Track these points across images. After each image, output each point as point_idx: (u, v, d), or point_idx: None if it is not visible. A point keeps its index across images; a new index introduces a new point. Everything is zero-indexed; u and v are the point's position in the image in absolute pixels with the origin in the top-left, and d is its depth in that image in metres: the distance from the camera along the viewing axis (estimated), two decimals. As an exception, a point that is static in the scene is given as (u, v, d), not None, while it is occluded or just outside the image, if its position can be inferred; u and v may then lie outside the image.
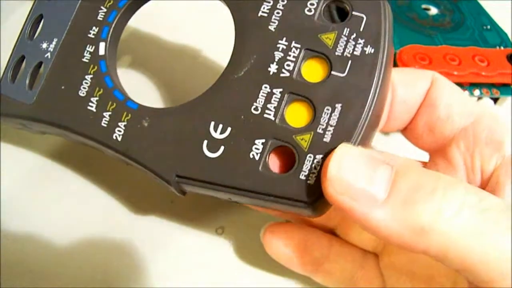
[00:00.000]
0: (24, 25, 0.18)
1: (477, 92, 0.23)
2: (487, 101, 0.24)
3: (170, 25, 0.26)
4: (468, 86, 0.23)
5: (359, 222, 0.13)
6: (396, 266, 0.18)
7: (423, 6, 0.27)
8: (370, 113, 0.14)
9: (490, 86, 0.23)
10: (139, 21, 0.24)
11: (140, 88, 0.24)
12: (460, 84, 0.23)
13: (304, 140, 0.14)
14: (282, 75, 0.15)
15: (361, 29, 0.15)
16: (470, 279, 0.12)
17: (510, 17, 0.28)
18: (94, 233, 0.20)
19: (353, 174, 0.13)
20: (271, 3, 0.15)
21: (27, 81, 0.18)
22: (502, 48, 0.25)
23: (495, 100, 0.24)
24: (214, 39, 0.24)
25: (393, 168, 0.13)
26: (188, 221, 0.21)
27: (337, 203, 0.13)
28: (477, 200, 0.12)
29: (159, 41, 0.25)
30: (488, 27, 0.26)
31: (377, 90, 0.14)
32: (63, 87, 0.17)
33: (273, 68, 0.15)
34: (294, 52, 0.15)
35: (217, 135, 0.15)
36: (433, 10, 0.27)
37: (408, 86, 0.17)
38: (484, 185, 0.16)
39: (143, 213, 0.21)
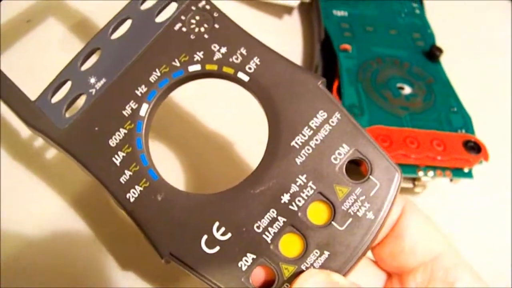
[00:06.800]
0: (80, 52, 0.19)
1: (431, 173, 0.26)
2: (442, 180, 0.27)
3: (212, 112, 0.28)
4: (423, 167, 0.26)
5: None
6: None
7: (399, 84, 0.29)
8: (350, 266, 0.16)
9: (444, 168, 0.26)
10: (184, 99, 0.26)
11: (164, 162, 0.25)
12: (416, 165, 0.26)
13: (288, 270, 0.16)
14: (290, 207, 0.17)
15: (371, 195, 0.16)
16: None
17: (478, 101, 0.31)
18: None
19: None
20: (306, 138, 0.17)
21: (65, 107, 0.18)
22: (463, 131, 0.28)
23: (450, 179, 0.27)
24: (251, 137, 0.25)
25: None
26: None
27: None
28: None
29: (198, 124, 0.28)
30: (455, 109, 0.29)
31: (364, 251, 0.16)
32: (96, 129, 0.18)
33: (285, 197, 0.17)
34: (308, 191, 0.17)
35: (217, 235, 0.17)
36: (407, 90, 0.29)
37: None
38: None
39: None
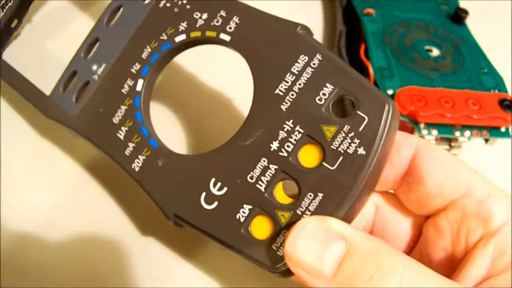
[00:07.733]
0: (82, 44, 0.21)
1: (467, 133, 0.25)
2: (478, 143, 0.26)
3: (212, 71, 0.28)
4: (459, 127, 0.25)
5: None
6: None
7: (426, 47, 0.29)
8: (348, 208, 0.15)
9: (481, 128, 0.25)
10: (182, 61, 0.26)
11: (166, 124, 0.26)
12: (452, 125, 0.25)
13: (284, 217, 0.16)
14: (280, 154, 0.17)
15: (360, 130, 0.16)
16: None
17: (510, 61, 0.30)
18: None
19: (304, 251, 0.14)
20: (289, 84, 0.17)
21: (75, 95, 0.21)
22: (496, 91, 0.27)
23: (486, 140, 0.26)
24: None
25: (346, 245, 0.14)
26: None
27: (295, 273, 0.15)
28: None
29: (198, 83, 0.27)
30: (485, 70, 0.28)
31: (359, 190, 0.15)
32: (101, 110, 0.20)
33: (274, 145, 0.17)
34: (296, 135, 0.16)
35: (214, 191, 0.17)
36: (435, 52, 0.29)
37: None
38: (465, 255, 0.17)
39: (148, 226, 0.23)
